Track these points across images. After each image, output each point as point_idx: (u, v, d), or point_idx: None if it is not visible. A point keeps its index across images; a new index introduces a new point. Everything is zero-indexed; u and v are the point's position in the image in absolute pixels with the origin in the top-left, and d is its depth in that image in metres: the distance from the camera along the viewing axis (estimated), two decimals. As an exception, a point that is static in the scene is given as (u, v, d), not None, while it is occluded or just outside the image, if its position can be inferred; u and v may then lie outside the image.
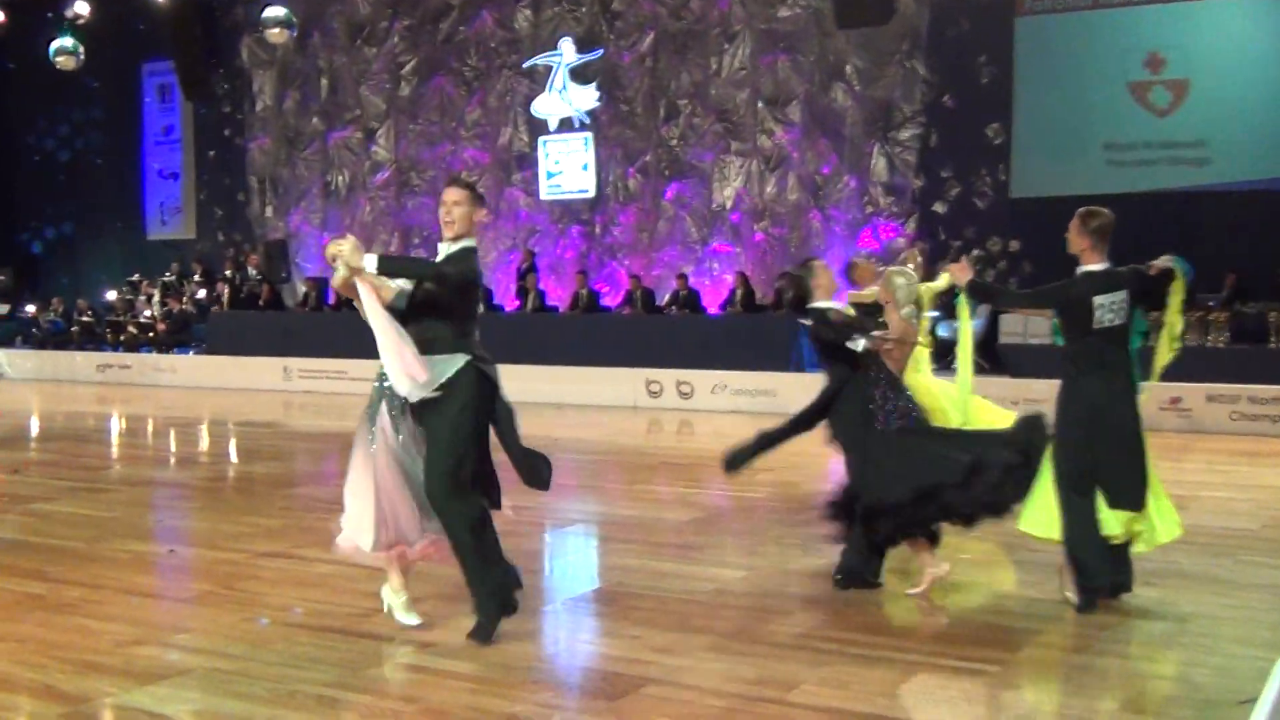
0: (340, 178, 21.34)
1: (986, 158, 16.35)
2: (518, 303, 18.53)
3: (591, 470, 10.77)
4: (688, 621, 5.46)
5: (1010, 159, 16.24)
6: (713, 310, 17.45)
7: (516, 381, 16.26)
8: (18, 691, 4.59)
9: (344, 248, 4.81)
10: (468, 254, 5.04)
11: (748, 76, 17.87)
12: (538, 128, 19.37)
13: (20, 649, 5.05)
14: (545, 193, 19.35)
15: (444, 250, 5.11)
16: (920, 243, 14.67)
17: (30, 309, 23.01)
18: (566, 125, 19.13)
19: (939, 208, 16.65)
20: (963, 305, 6.10)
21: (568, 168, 19.12)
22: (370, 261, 4.81)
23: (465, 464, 5.01)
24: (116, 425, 15.25)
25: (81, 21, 19.91)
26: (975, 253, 14.98)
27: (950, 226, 16.53)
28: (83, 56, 19.50)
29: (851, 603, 5.78)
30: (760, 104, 17.82)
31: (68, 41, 19.34)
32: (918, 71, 16.73)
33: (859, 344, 5.63)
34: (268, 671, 4.74)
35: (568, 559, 7.44)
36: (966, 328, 6.27)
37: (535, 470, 5.21)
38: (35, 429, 14.30)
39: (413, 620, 5.24)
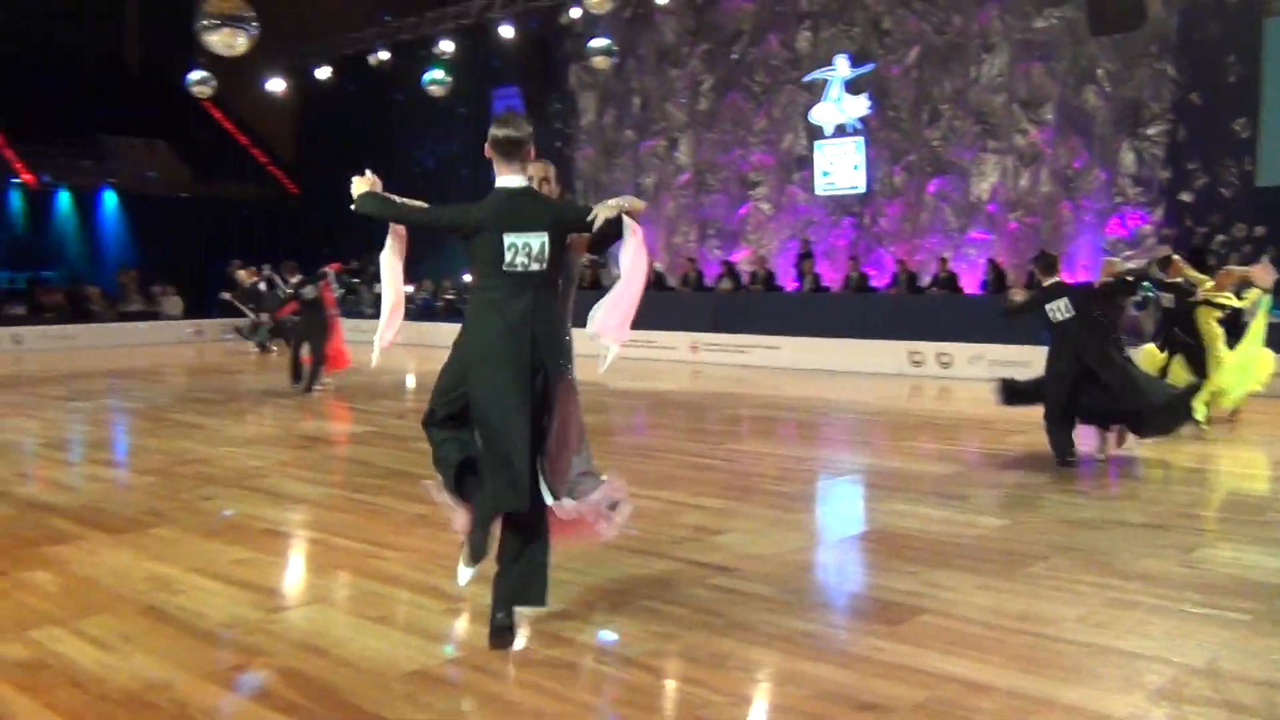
0: (649, 180, 21.75)
1: (1233, 150, 14.95)
2: (797, 284, 18.44)
3: (861, 428, 10.59)
4: (954, 561, 5.30)
5: (1257, 150, 14.81)
6: (970, 290, 16.81)
7: (797, 351, 16.33)
8: (408, 588, 4.93)
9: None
10: (478, 202, 4.12)
11: (1004, 82, 17.01)
12: (815, 133, 19.10)
13: (411, 557, 5.42)
14: (820, 189, 19.10)
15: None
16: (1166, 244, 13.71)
17: (408, 289, 24.52)
18: (840, 131, 18.78)
19: (1185, 197, 15.38)
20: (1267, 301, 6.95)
21: (841, 167, 18.79)
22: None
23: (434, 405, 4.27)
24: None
25: (446, 57, 21.05)
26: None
27: (1196, 215, 15.26)
28: (449, 85, 20.60)
29: (1105, 551, 5.46)
30: (1016, 106, 16.93)
31: (438, 74, 20.47)
32: (1166, 72, 15.47)
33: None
34: (602, 584, 4.91)
35: (843, 503, 7.35)
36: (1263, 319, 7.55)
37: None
38: (411, 383, 15.27)
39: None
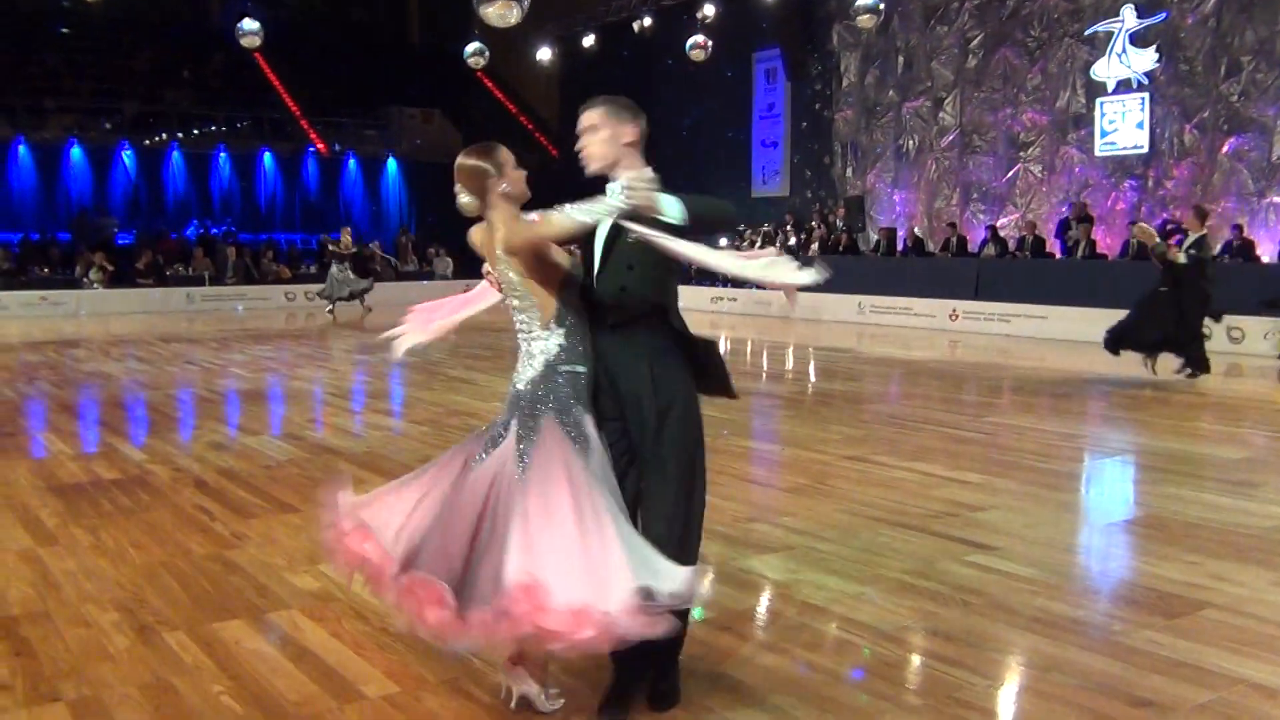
0: (911, 142, 21.06)
1: None
2: (1068, 251, 17.41)
3: (1134, 405, 9.89)
4: (1246, 553, 4.87)
5: None
6: (1268, 259, 15.33)
7: (1065, 322, 15.46)
8: (665, 547, 5.02)
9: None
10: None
11: (1318, 30, 15.35)
12: (1095, 90, 17.90)
13: (666, 515, 5.51)
14: (1100, 149, 17.90)
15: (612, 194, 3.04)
16: None
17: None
18: (1124, 87, 17.51)
19: None
20: None
21: (1123, 126, 17.54)
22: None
23: None
24: (724, 346, 16.19)
25: (707, 21, 21.07)
26: None
27: None
28: (710, 49, 20.63)
29: None
30: (1330, 56, 15.27)
31: (699, 38, 20.55)
32: None
33: None
34: (855, 555, 4.83)
35: (1113, 485, 6.90)
36: None
37: None
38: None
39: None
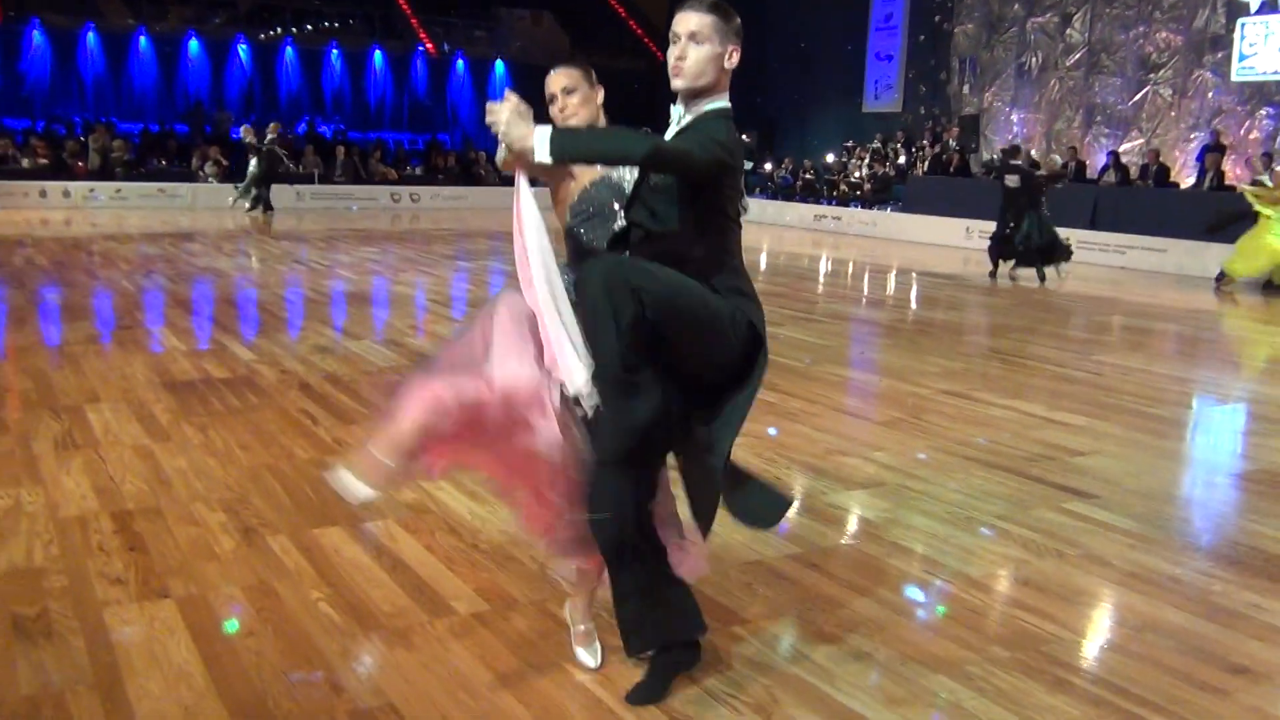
0: (1034, 59, 20.20)
1: None
2: (1195, 181, 16.63)
3: (1254, 349, 9.51)
4: (1361, 518, 4.68)
5: None
6: None
7: (1186, 256, 14.87)
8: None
9: (501, 114, 2.60)
10: (717, 121, 2.69)
11: None
12: (1236, 10, 16.88)
13: (757, 444, 5.50)
14: (1237, 74, 16.95)
15: (676, 119, 2.77)
16: None
17: (767, 166, 24.52)
18: (1269, 7, 16.47)
19: None
20: None
21: (1264, 49, 16.54)
22: (540, 139, 2.55)
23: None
24: (825, 267, 15.97)
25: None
26: None
27: None
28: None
29: None
30: None
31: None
32: None
33: None
34: (947, 495, 4.77)
35: (1225, 435, 6.65)
36: None
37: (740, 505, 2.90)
38: (763, 264, 15.35)
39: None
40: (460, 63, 27.79)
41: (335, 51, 26.55)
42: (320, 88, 26.59)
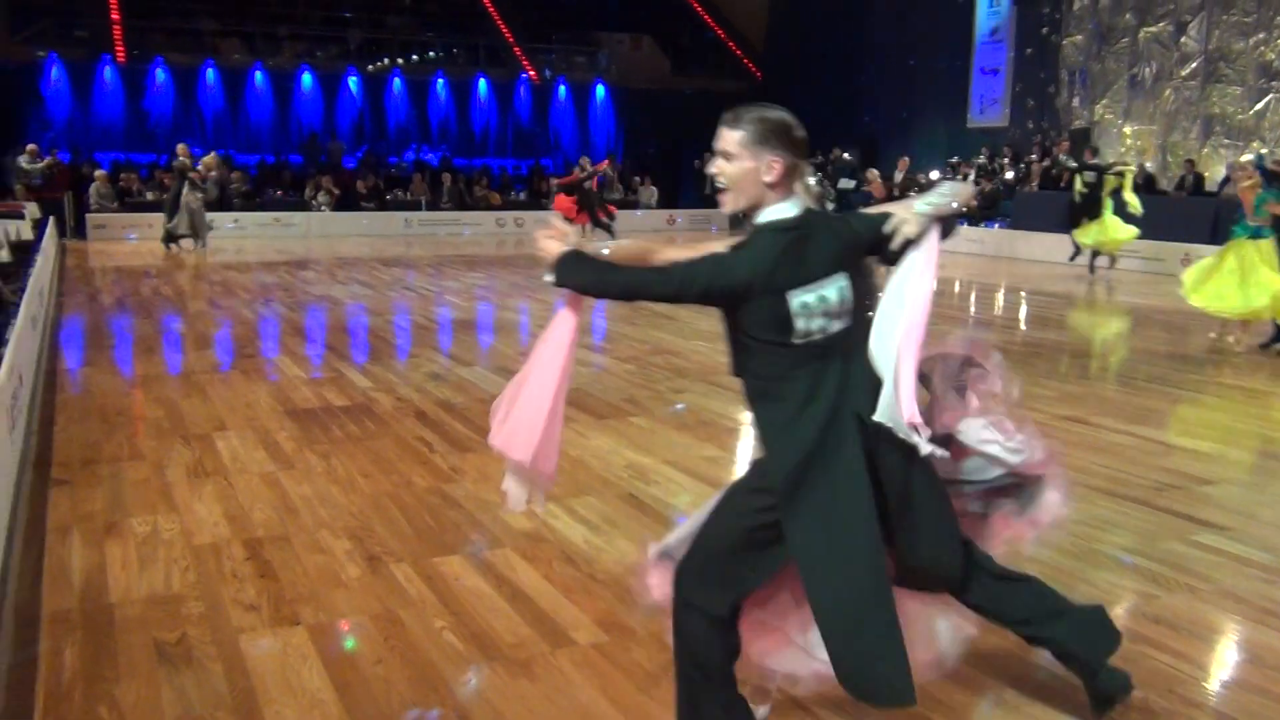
0: (1147, 69, 19.65)
1: None
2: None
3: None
4: None
5: None
6: None
7: None
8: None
9: (540, 239, 2.81)
10: (756, 236, 2.59)
11: None
12: (1365, 13, 16.22)
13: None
14: (1366, 80, 16.27)
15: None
16: None
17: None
18: (1400, 9, 15.79)
19: None
20: None
21: (1396, 53, 15.85)
22: (552, 265, 2.76)
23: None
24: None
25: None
26: None
27: None
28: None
29: None
30: None
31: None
32: None
33: None
34: (1070, 526, 4.61)
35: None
36: None
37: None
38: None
39: None
40: (562, 88, 28.20)
41: (441, 81, 27.20)
42: (427, 116, 27.26)
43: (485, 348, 9.38)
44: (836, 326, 2.61)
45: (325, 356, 8.70)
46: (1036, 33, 21.75)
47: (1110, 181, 15.06)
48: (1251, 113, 17.94)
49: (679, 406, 6.90)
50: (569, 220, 18.46)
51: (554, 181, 20.36)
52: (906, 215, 2.67)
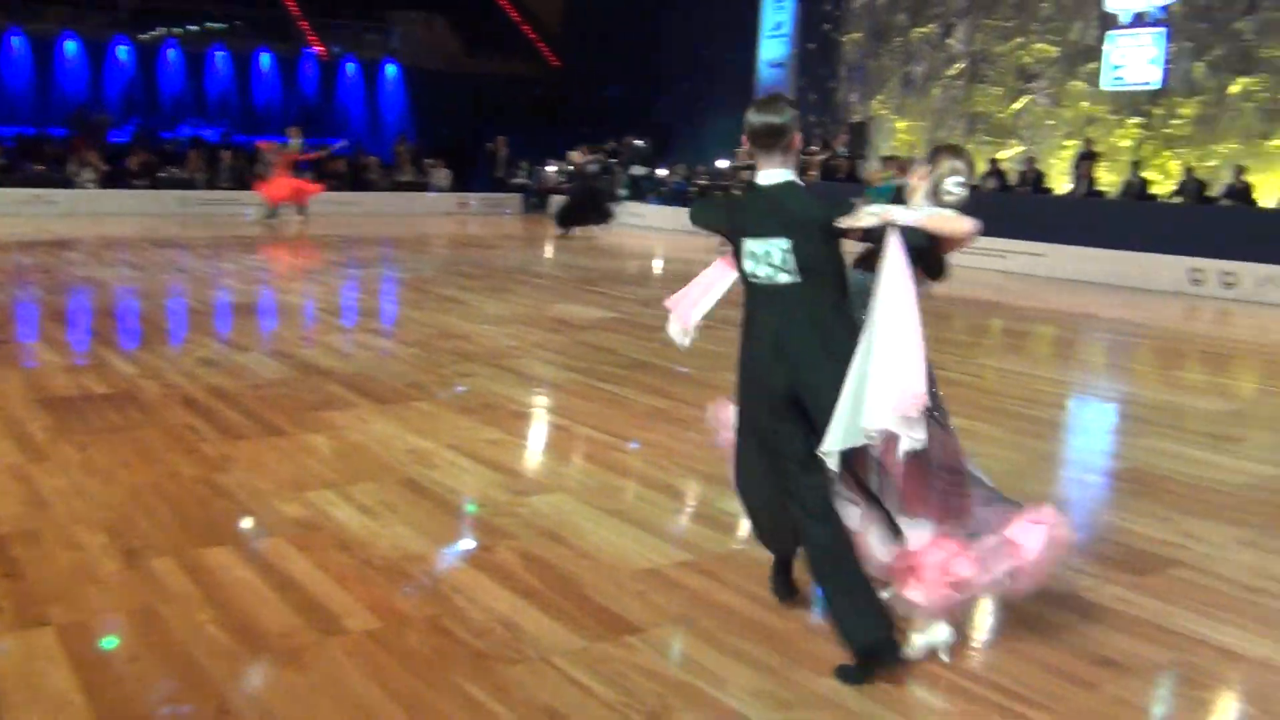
0: (919, 68, 20.78)
1: None
2: (1070, 188, 17.32)
3: (1125, 351, 9.96)
4: (1217, 511, 4.96)
5: None
6: (1266, 203, 15.26)
7: (1063, 260, 15.44)
8: (644, 484, 5.09)
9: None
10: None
11: (1339, -30, 15.09)
12: (1108, 22, 17.62)
13: (650, 452, 5.58)
14: (1108, 84, 17.70)
15: None
16: None
17: (662, 172, 24.70)
18: (1139, 20, 17.24)
19: None
20: None
21: (1133, 61, 17.30)
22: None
23: None
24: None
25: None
26: None
27: None
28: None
29: (1398, 519, 4.97)
30: (1354, -4, 15.02)
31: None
32: None
33: None
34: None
35: (1097, 435, 6.98)
36: None
37: None
38: (659, 269, 15.46)
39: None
40: (350, 65, 27.38)
41: (220, 53, 25.92)
42: (204, 90, 25.93)
43: (266, 332, 9.03)
44: (783, 279, 3.24)
45: (88, 342, 8.18)
46: (818, 29, 22.62)
47: None
48: (1009, 111, 19.23)
49: (460, 389, 6.85)
50: (268, 199, 17.80)
51: (265, 151, 19.05)
52: (863, 211, 3.13)
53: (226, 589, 3.68)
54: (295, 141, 18.32)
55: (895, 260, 3.12)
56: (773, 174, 3.26)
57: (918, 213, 3.23)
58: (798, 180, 3.29)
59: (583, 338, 8.95)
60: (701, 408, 6.41)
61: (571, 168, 19.99)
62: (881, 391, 3.04)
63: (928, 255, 3.30)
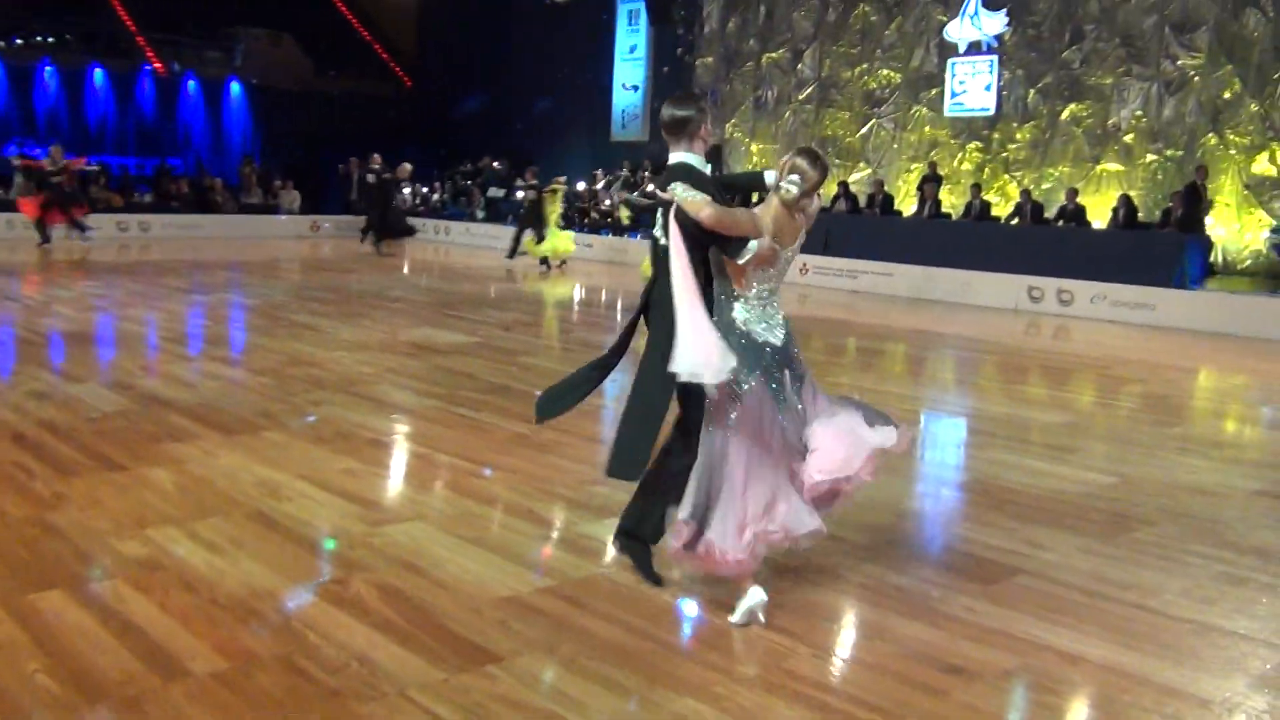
0: (769, 93, 21.31)
1: None
2: (918, 210, 18.00)
3: (970, 366, 10.38)
4: (1058, 519, 5.21)
5: None
6: (1098, 224, 16.16)
7: (910, 280, 16.02)
8: (505, 510, 5.06)
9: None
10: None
11: (1156, 3, 16.11)
12: (947, 51, 18.44)
13: (509, 478, 5.53)
14: (949, 110, 18.50)
15: None
16: None
17: (520, 194, 24.65)
18: (974, 49, 18.09)
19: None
20: None
21: (971, 87, 18.15)
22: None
23: None
24: (579, 295, 16.15)
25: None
26: None
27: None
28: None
29: (1218, 520, 5.31)
30: (1167, 29, 16.05)
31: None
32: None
33: None
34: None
35: (944, 449, 7.26)
36: None
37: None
38: (518, 292, 15.39)
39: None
40: (192, 84, 26.49)
41: (49, 69, 24.75)
42: (32, 107, 24.70)
43: (103, 362, 8.64)
44: (663, 241, 3.87)
45: (-98, 376, 7.67)
46: (672, 53, 22.99)
47: (549, 199, 17.63)
48: (858, 135, 19.89)
49: (312, 418, 6.69)
50: (38, 220, 17.32)
51: (17, 165, 18.57)
52: (672, 188, 3.76)
53: (59, 636, 3.50)
54: (55, 157, 17.84)
55: (673, 230, 3.77)
56: (675, 155, 3.97)
57: (689, 194, 3.70)
58: (692, 163, 3.92)
59: (441, 363, 8.84)
60: (563, 433, 6.45)
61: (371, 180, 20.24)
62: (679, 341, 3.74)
63: (710, 232, 3.75)
